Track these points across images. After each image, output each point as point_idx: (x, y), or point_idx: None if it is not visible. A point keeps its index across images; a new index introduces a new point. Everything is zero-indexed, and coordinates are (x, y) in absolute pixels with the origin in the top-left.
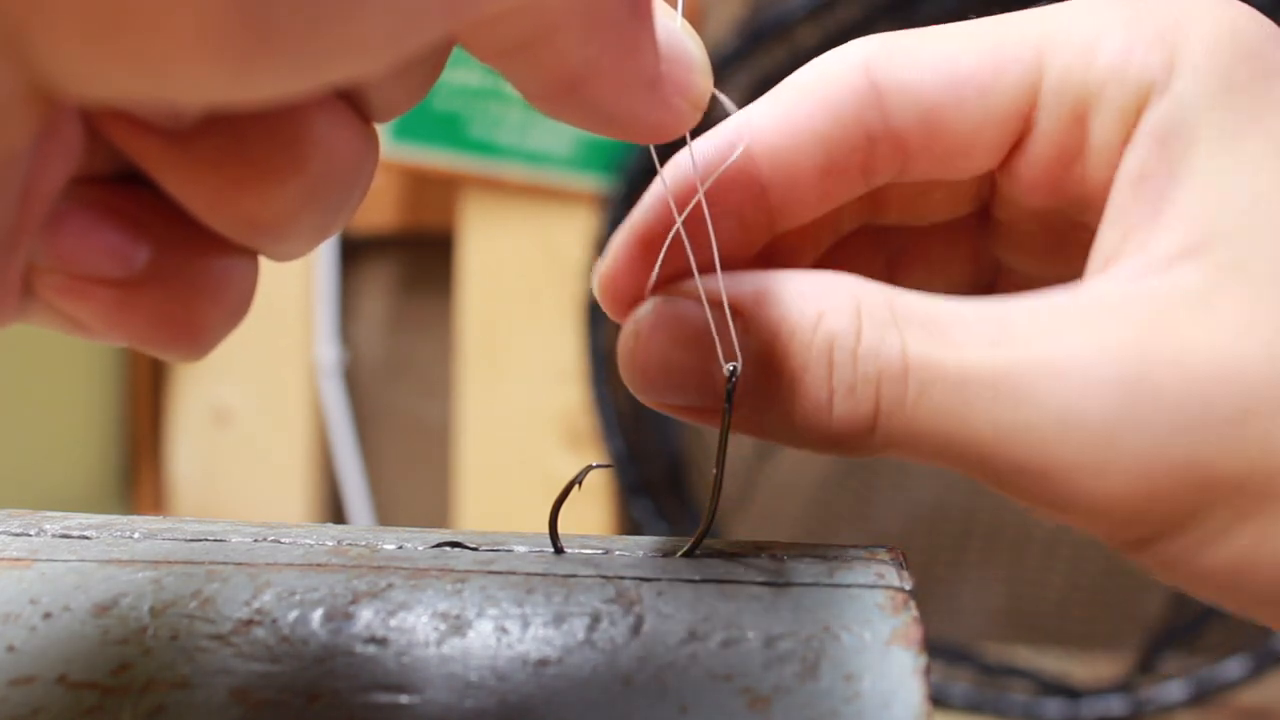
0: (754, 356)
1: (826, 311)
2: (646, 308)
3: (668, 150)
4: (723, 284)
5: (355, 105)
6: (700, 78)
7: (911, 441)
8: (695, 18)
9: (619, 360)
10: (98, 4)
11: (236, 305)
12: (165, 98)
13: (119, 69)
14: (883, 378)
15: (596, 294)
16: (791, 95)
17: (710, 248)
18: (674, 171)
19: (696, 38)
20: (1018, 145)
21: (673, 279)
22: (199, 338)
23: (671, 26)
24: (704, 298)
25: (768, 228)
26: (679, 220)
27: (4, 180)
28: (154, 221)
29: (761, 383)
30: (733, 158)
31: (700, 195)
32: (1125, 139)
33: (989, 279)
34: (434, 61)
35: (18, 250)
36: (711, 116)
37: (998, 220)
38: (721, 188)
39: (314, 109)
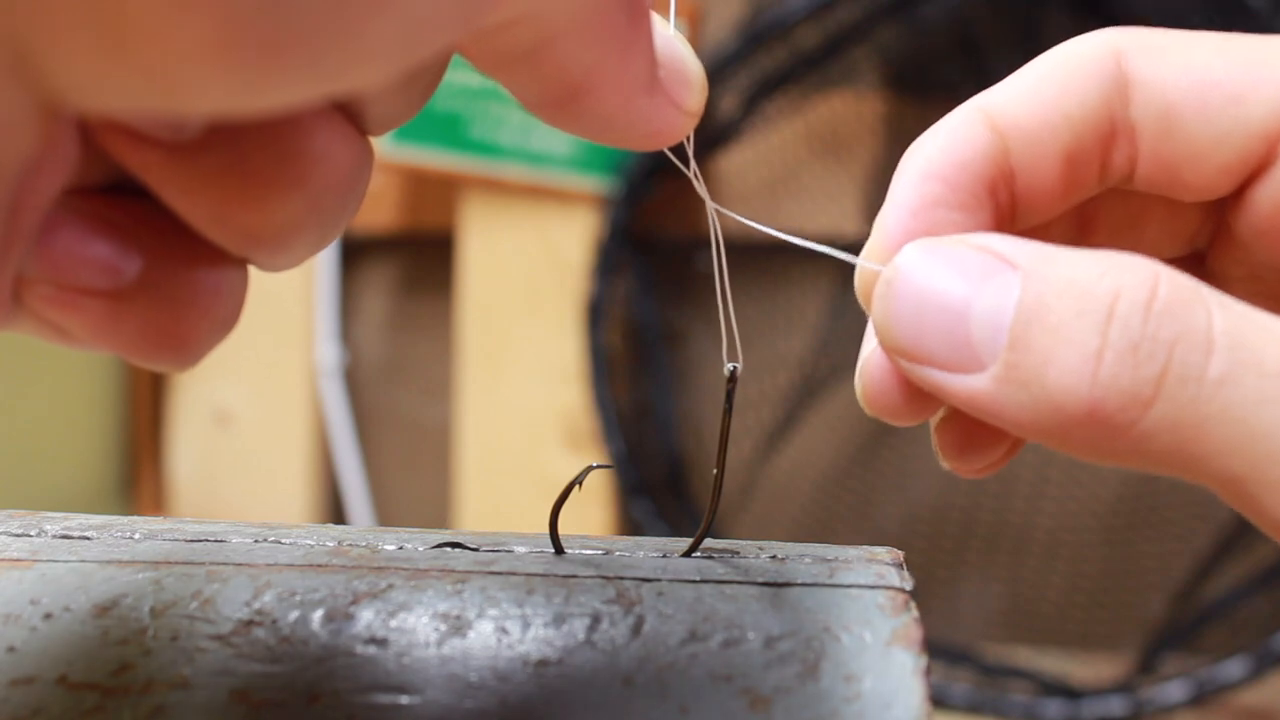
0: (1023, 311)
1: (1116, 267)
2: (906, 251)
3: (673, 151)
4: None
5: (354, 119)
6: (695, 84)
7: (1196, 425)
8: (694, 19)
9: (873, 310)
10: (108, 17)
11: (226, 317)
12: (173, 108)
13: (129, 80)
14: (1179, 341)
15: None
16: (1039, 74)
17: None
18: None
19: (689, 45)
20: (1259, 174)
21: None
22: (188, 349)
23: (666, 34)
24: (975, 245)
25: (1011, 221)
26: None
27: None
28: (145, 233)
29: (1022, 340)
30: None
31: (700, 185)
32: None
33: None
34: (432, 75)
35: (7, 261)
36: (705, 122)
37: (1213, 273)
38: (976, 171)
39: (314, 123)
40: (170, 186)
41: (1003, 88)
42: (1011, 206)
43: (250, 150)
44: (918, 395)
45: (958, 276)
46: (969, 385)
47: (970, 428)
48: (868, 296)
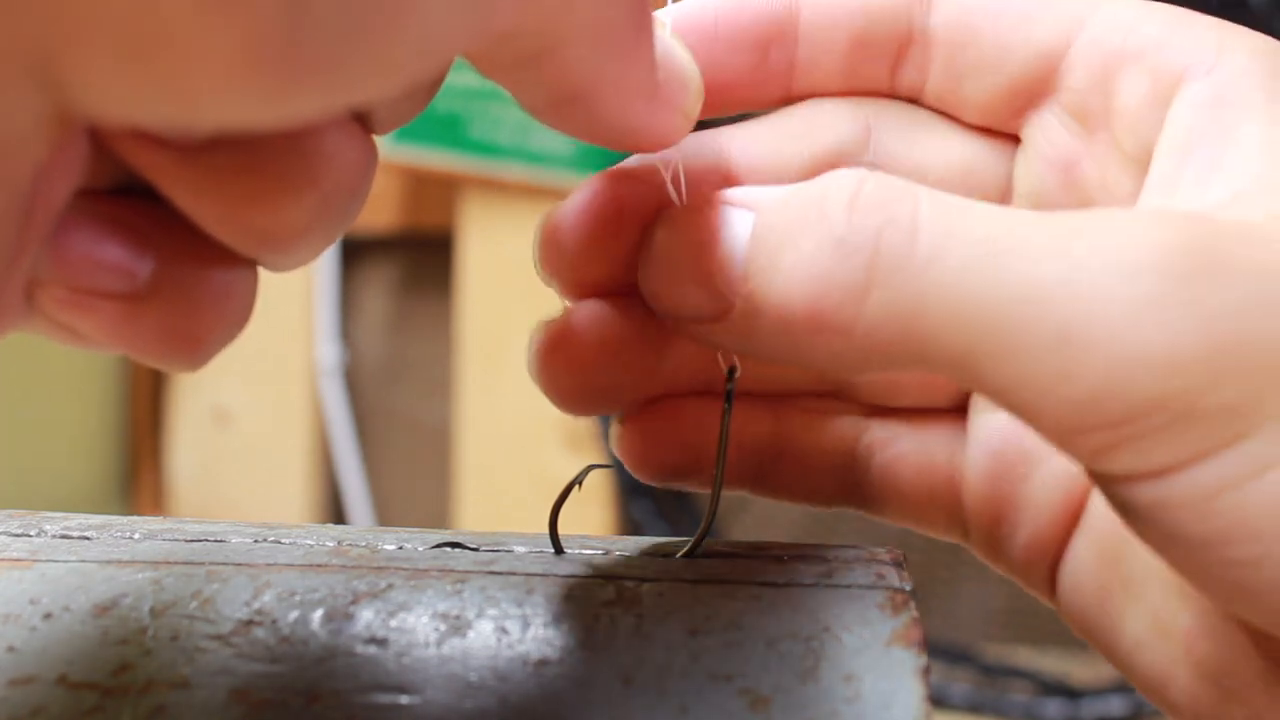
0: (753, 241)
1: (829, 176)
2: (660, 220)
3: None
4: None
5: (361, 119)
6: (693, 88)
7: (913, 308)
8: None
9: (640, 280)
10: (133, 32)
11: (238, 317)
12: (192, 121)
13: (150, 94)
14: (886, 230)
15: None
16: None
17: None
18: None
19: (686, 48)
20: (1039, 98)
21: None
22: (200, 350)
23: (665, 37)
24: (716, 200)
25: (784, 82)
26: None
27: (11, 196)
28: (157, 234)
29: (754, 265)
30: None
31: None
32: (1157, 109)
33: None
34: (436, 77)
35: (21, 264)
36: (706, 123)
37: None
38: (751, 15)
39: (324, 124)
40: (181, 188)
41: None
42: (787, 69)
43: (261, 151)
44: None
45: (701, 229)
46: (728, 328)
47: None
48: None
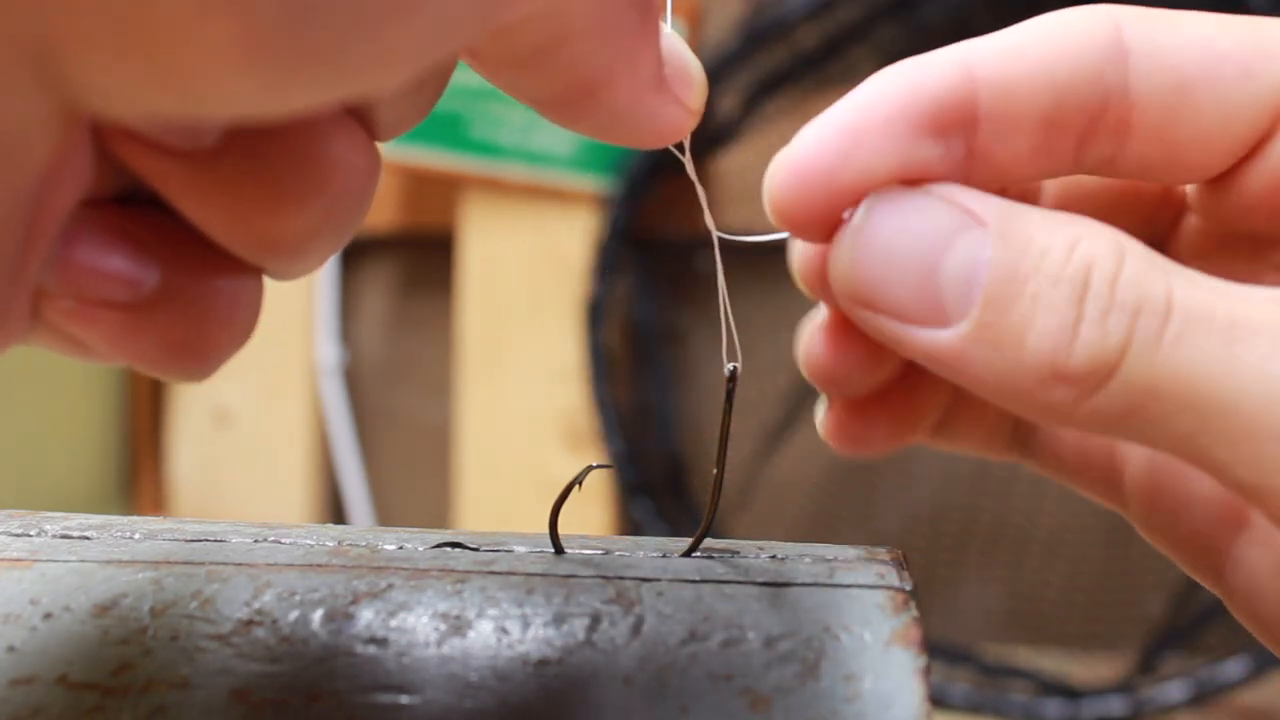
0: (997, 274)
1: (1086, 236)
2: (877, 199)
3: (674, 150)
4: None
5: (366, 125)
6: (697, 82)
7: (1155, 390)
8: (694, 19)
9: (837, 257)
10: (133, 21)
11: (243, 326)
12: (196, 113)
13: (153, 85)
14: (1142, 309)
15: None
16: (1031, 32)
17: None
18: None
19: (686, 43)
20: (1255, 151)
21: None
22: (205, 360)
23: (666, 31)
24: (944, 197)
25: (962, 173)
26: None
27: (15, 200)
28: (163, 244)
29: (999, 303)
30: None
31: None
32: None
33: None
34: (439, 80)
35: (26, 274)
36: (705, 122)
37: (1172, 254)
38: (934, 107)
39: (330, 130)
40: (187, 196)
41: (987, 40)
42: (965, 160)
43: (268, 158)
44: (859, 362)
45: (929, 229)
46: (933, 339)
47: (864, 413)
48: (807, 273)
